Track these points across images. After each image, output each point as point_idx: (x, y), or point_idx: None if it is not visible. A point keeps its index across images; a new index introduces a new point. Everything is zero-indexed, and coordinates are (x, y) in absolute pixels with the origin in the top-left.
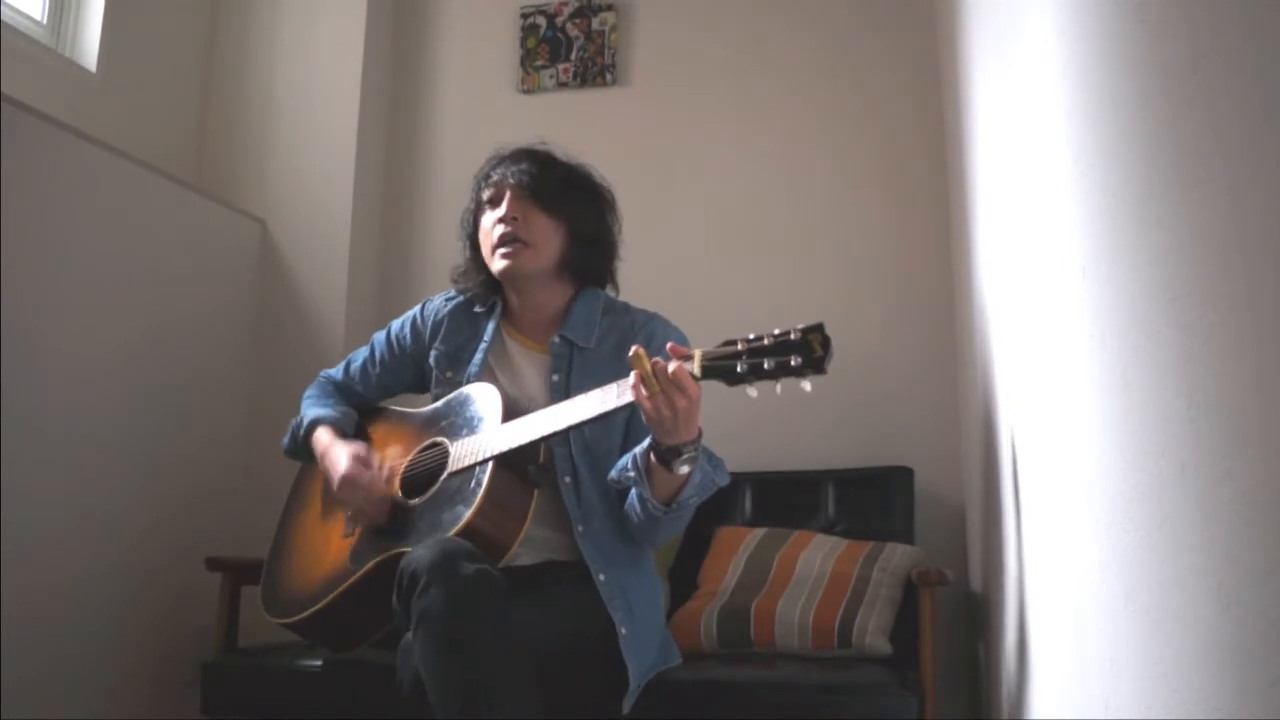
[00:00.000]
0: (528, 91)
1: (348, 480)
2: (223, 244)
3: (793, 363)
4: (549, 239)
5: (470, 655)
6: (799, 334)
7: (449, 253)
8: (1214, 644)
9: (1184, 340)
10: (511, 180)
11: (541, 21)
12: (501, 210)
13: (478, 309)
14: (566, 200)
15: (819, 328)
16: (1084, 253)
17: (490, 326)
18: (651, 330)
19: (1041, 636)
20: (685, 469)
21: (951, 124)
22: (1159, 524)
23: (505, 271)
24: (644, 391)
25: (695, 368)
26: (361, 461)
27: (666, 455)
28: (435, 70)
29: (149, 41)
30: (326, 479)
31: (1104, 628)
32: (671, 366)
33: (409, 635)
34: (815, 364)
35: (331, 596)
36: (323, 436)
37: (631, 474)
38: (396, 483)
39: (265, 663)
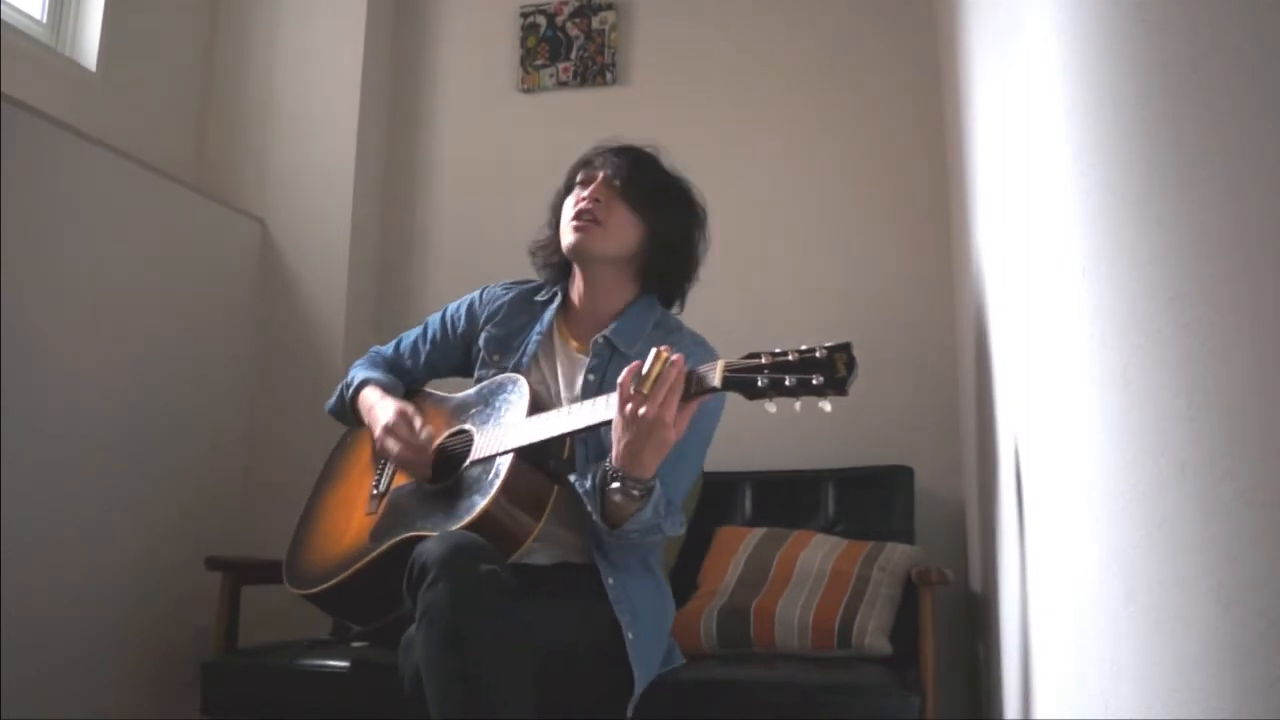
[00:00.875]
0: (528, 91)
1: (390, 428)
2: (223, 244)
3: (814, 381)
4: (624, 229)
5: (471, 653)
6: (824, 352)
7: (450, 252)
8: (1214, 644)
9: (1184, 340)
10: (608, 169)
11: (541, 21)
12: (589, 191)
13: (539, 298)
14: (654, 203)
15: (846, 347)
16: (1084, 252)
17: (547, 317)
18: (697, 359)
19: (1041, 636)
20: (617, 498)
21: (951, 124)
22: (1159, 524)
23: (573, 246)
24: (630, 389)
25: (716, 378)
26: (406, 416)
27: (611, 477)
28: (435, 70)
29: (149, 41)
30: (371, 426)
31: (1104, 628)
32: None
33: (411, 629)
34: (837, 384)
35: (348, 573)
36: (372, 394)
37: (586, 484)
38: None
39: (265, 663)
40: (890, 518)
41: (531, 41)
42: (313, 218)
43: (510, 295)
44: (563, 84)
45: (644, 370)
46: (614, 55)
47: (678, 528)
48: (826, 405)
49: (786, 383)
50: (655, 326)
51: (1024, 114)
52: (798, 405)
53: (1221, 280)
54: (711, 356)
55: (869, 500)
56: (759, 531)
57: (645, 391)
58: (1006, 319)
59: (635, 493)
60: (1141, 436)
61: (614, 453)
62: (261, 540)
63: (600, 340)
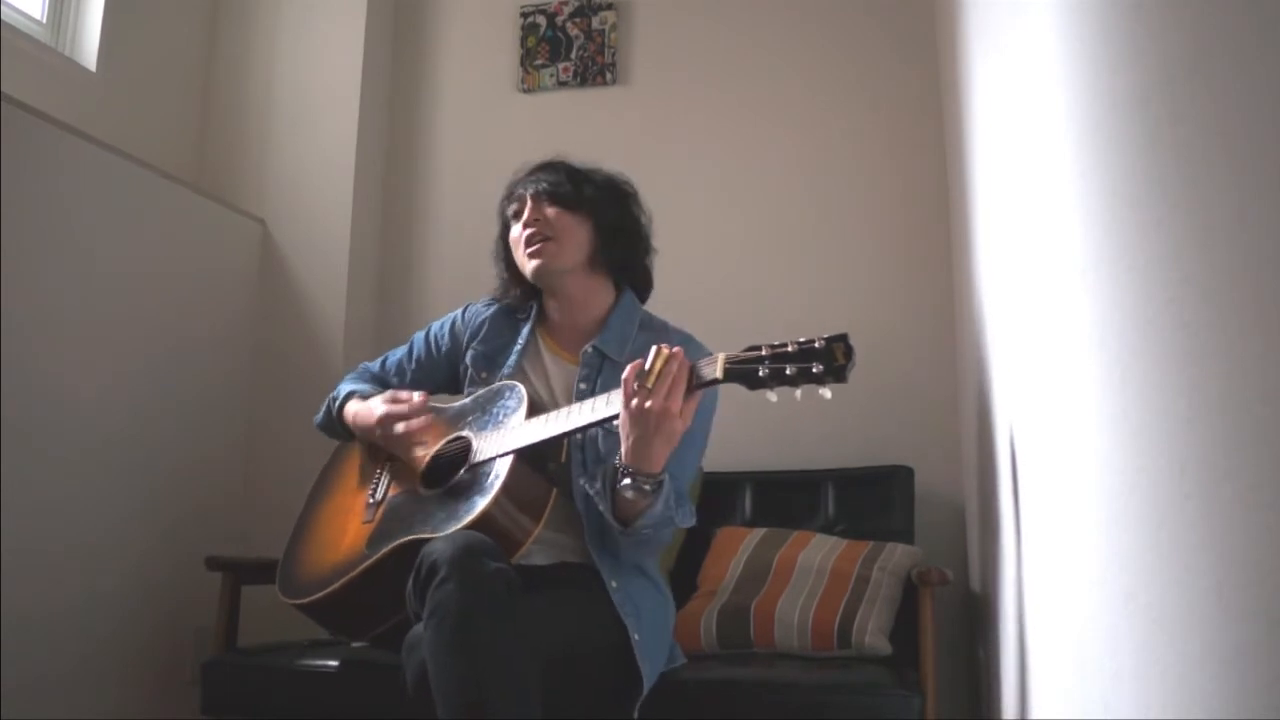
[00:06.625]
0: (528, 91)
1: (388, 417)
2: (223, 244)
3: (814, 370)
4: (574, 233)
5: (480, 651)
6: (823, 342)
7: (449, 252)
8: (1214, 644)
9: (1184, 340)
10: (530, 191)
11: (541, 21)
12: (524, 218)
13: (518, 315)
14: (585, 195)
15: (843, 338)
16: (1084, 253)
17: (525, 331)
18: (690, 353)
19: (1041, 636)
20: (629, 494)
21: (952, 123)
22: (1159, 524)
23: (537, 271)
24: (635, 385)
25: (718, 369)
26: (395, 399)
27: (621, 474)
28: (435, 70)
29: (149, 41)
30: (366, 431)
31: (1104, 628)
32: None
33: (417, 628)
34: (837, 372)
35: (345, 579)
36: (355, 404)
37: (596, 484)
38: (422, 468)
39: (265, 663)
40: (890, 518)
41: (531, 41)
42: (313, 218)
43: (491, 312)
44: (563, 84)
45: (646, 366)
46: (614, 55)
47: (688, 519)
48: (827, 392)
49: (787, 372)
50: (641, 328)
51: (1024, 114)
52: (798, 394)
53: (1221, 281)
54: (702, 350)
55: (869, 500)
56: (759, 532)
57: (649, 386)
58: (1007, 319)
59: (646, 488)
60: (1141, 437)
61: (623, 449)
62: (261, 540)
63: (590, 350)
